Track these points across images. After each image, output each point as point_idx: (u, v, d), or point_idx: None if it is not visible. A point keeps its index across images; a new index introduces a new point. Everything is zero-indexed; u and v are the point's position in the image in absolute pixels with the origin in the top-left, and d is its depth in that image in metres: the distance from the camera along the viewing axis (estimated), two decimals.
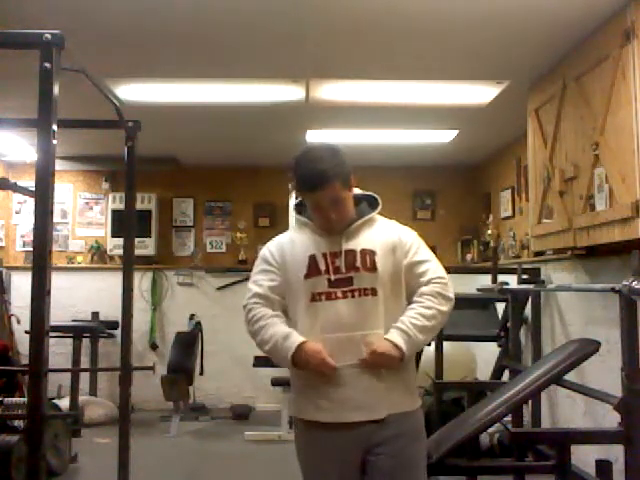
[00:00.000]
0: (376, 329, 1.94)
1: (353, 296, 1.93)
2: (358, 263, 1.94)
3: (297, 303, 1.99)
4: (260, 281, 2.07)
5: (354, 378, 1.93)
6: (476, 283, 5.06)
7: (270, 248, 2.11)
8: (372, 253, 1.96)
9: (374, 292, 1.94)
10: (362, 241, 1.99)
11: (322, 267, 1.95)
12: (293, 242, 2.05)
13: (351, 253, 1.96)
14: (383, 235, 2.03)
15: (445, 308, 1.99)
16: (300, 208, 2.13)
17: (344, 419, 1.94)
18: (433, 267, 2.03)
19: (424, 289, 1.99)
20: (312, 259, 1.97)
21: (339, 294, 1.93)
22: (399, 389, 1.99)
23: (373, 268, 1.94)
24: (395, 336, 1.92)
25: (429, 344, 3.39)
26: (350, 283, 1.93)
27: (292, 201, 5.89)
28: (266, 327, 1.99)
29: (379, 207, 2.11)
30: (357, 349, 1.92)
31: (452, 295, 2.02)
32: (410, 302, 2.01)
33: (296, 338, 1.93)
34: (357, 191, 2.11)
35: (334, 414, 1.94)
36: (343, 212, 1.99)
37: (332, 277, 1.94)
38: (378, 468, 1.94)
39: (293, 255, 2.01)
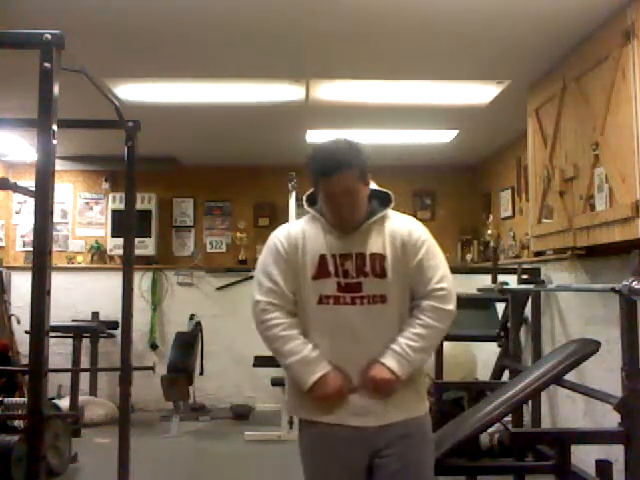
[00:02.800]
0: (385, 338, 1.91)
1: (362, 303, 1.88)
2: (367, 268, 1.89)
3: (305, 303, 1.93)
4: (274, 275, 1.94)
5: (361, 382, 1.91)
6: (476, 283, 5.06)
7: (280, 238, 2.00)
8: (382, 258, 1.91)
9: (383, 299, 1.90)
10: (372, 244, 1.92)
11: (331, 269, 1.89)
12: (304, 236, 1.96)
13: (360, 257, 1.90)
14: (393, 235, 1.95)
15: (443, 325, 1.94)
16: (312, 200, 2.03)
17: (350, 422, 1.90)
18: (438, 274, 1.94)
19: (424, 304, 1.93)
20: (322, 259, 1.90)
21: (348, 299, 1.88)
22: (408, 395, 1.96)
23: (382, 274, 1.89)
24: (390, 360, 1.89)
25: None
26: (359, 289, 1.88)
27: (292, 201, 5.89)
28: (284, 339, 1.90)
29: (391, 204, 2.03)
30: (365, 357, 1.90)
31: (452, 306, 1.95)
32: (411, 308, 1.97)
33: (319, 367, 1.88)
34: (371, 186, 2.01)
35: (338, 417, 1.91)
36: (356, 207, 1.91)
37: (341, 281, 1.89)
38: (384, 470, 1.91)
39: (304, 251, 1.93)
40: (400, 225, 1.99)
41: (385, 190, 2.05)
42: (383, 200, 2.02)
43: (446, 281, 1.95)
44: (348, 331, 1.89)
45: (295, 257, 1.93)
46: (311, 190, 2.02)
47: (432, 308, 1.92)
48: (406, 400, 1.95)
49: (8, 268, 6.55)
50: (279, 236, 2.01)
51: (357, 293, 1.88)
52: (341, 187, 1.87)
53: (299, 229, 2.00)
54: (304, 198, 2.06)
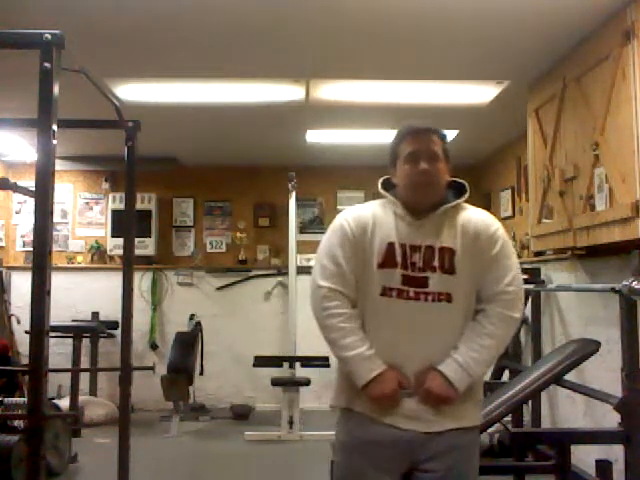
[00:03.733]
0: (446, 339, 1.80)
1: (426, 300, 1.76)
2: (436, 262, 1.77)
3: (366, 292, 1.81)
4: (339, 258, 1.81)
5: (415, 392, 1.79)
6: None
7: (349, 220, 1.86)
8: (451, 252, 1.78)
9: (449, 298, 1.77)
10: (443, 236, 1.80)
11: (399, 259, 1.77)
12: (374, 220, 1.84)
13: (429, 250, 1.78)
14: (466, 226, 1.84)
15: (508, 334, 1.83)
16: (386, 187, 1.92)
17: (398, 424, 1.79)
18: (510, 275, 1.81)
19: (490, 311, 1.80)
20: (390, 247, 1.78)
21: (412, 294, 1.76)
22: (465, 402, 1.83)
23: (451, 270, 1.77)
24: (450, 371, 1.76)
25: None
26: (425, 284, 1.76)
27: (292, 201, 5.90)
28: (344, 331, 1.78)
29: (466, 194, 1.93)
30: (423, 358, 1.79)
31: (519, 314, 1.82)
32: (476, 311, 1.84)
33: (376, 365, 1.77)
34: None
35: (388, 417, 1.80)
36: (435, 179, 1.81)
37: (407, 273, 1.77)
38: None
39: (372, 236, 1.81)
40: (476, 216, 1.90)
41: (461, 180, 1.95)
42: (459, 191, 1.93)
43: (517, 284, 1.83)
44: (408, 328, 1.78)
45: (363, 241, 1.81)
46: (385, 177, 1.94)
47: (499, 316, 1.80)
48: (461, 407, 1.81)
49: (8, 268, 6.55)
50: (348, 217, 1.87)
51: (422, 288, 1.77)
52: (427, 146, 1.82)
53: (369, 212, 1.87)
54: (379, 183, 1.94)
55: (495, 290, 1.81)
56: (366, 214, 1.87)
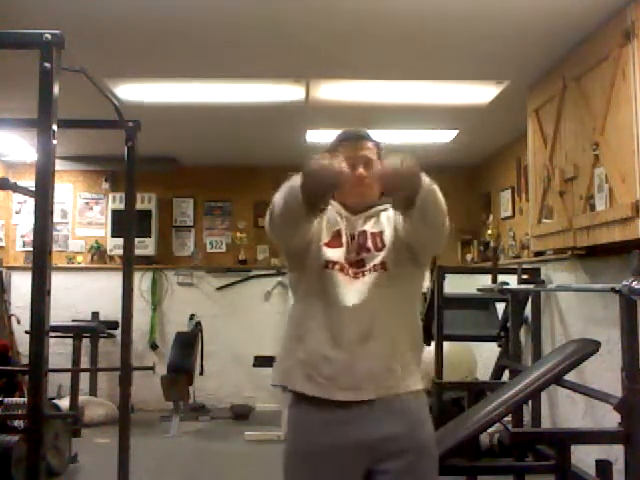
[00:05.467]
0: (386, 305, 1.82)
1: (364, 275, 1.85)
2: (369, 244, 1.89)
3: (309, 267, 1.88)
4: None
5: (359, 353, 1.78)
6: (476, 283, 5.06)
7: None
8: (380, 233, 1.91)
9: (384, 266, 1.85)
10: (373, 225, 1.93)
11: (343, 241, 1.90)
12: (325, 216, 1.93)
13: (364, 234, 1.91)
14: (389, 217, 1.95)
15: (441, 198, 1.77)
16: None
17: (336, 397, 1.78)
18: None
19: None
20: (337, 232, 1.91)
21: (351, 272, 1.85)
22: (409, 365, 1.85)
23: (382, 246, 1.89)
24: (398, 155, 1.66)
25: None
26: (362, 265, 1.86)
27: None
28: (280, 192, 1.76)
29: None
30: (367, 326, 1.79)
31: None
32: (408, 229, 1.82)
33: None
34: None
35: (324, 390, 1.80)
36: (369, 182, 1.88)
37: (349, 256, 1.87)
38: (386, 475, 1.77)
39: (323, 223, 1.92)
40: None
41: None
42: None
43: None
44: (346, 298, 1.81)
45: (315, 227, 1.88)
46: None
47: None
48: (405, 372, 1.83)
49: (8, 268, 6.56)
50: None
51: (360, 269, 1.86)
52: (362, 153, 1.90)
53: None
54: None
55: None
56: None
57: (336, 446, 1.80)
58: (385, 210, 1.98)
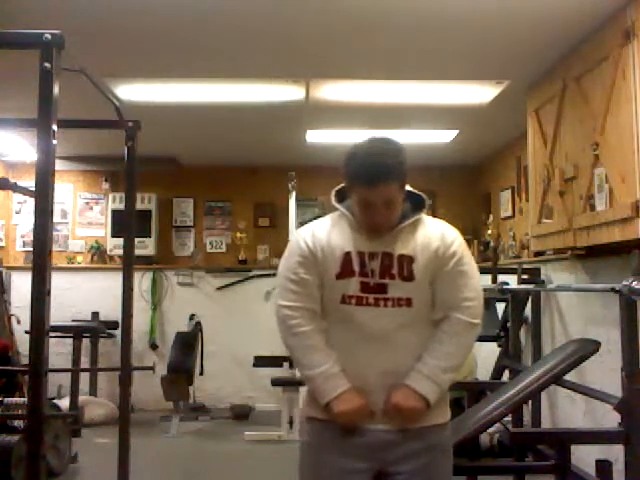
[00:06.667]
0: (410, 345, 1.81)
1: (386, 305, 1.78)
2: (394, 270, 1.78)
3: (327, 303, 1.84)
4: (300, 274, 1.83)
5: (379, 386, 1.80)
6: None
7: (305, 237, 1.88)
8: (410, 260, 1.79)
9: (409, 303, 1.79)
10: (401, 245, 1.81)
11: (356, 268, 1.79)
12: (329, 235, 1.85)
13: (388, 257, 1.79)
14: (425, 238, 1.84)
15: (471, 341, 1.86)
16: (340, 196, 1.91)
17: (365, 425, 1.80)
18: (470, 284, 1.83)
19: (452, 317, 1.81)
20: (347, 257, 1.80)
21: (371, 300, 1.78)
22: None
23: (410, 277, 1.78)
24: (418, 383, 1.77)
25: None
26: (384, 290, 1.78)
27: (292, 201, 5.89)
28: (307, 348, 1.81)
29: (425, 208, 1.89)
30: (387, 363, 1.80)
31: (479, 320, 1.84)
32: (436, 319, 1.85)
33: (342, 382, 1.78)
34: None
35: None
36: (392, 215, 1.79)
37: (366, 280, 1.78)
38: None
39: (329, 249, 1.83)
40: (434, 229, 1.88)
41: (418, 193, 1.91)
42: (417, 202, 1.90)
43: (478, 292, 1.86)
44: (368, 334, 1.78)
45: (321, 256, 1.83)
46: (340, 186, 1.90)
47: (463, 323, 1.81)
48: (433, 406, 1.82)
49: (8, 268, 6.55)
50: (303, 235, 1.90)
51: (382, 294, 1.78)
52: (382, 198, 1.75)
53: (323, 228, 1.89)
54: (332, 193, 1.92)
55: (457, 298, 1.83)
56: (320, 230, 1.89)
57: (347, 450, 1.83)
58: (418, 223, 1.86)
